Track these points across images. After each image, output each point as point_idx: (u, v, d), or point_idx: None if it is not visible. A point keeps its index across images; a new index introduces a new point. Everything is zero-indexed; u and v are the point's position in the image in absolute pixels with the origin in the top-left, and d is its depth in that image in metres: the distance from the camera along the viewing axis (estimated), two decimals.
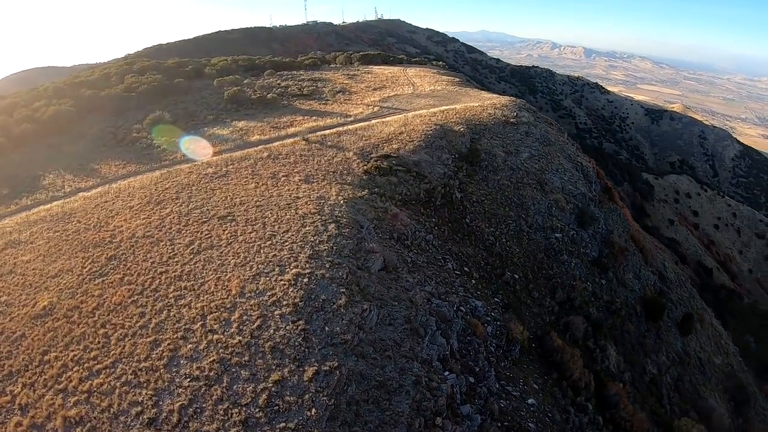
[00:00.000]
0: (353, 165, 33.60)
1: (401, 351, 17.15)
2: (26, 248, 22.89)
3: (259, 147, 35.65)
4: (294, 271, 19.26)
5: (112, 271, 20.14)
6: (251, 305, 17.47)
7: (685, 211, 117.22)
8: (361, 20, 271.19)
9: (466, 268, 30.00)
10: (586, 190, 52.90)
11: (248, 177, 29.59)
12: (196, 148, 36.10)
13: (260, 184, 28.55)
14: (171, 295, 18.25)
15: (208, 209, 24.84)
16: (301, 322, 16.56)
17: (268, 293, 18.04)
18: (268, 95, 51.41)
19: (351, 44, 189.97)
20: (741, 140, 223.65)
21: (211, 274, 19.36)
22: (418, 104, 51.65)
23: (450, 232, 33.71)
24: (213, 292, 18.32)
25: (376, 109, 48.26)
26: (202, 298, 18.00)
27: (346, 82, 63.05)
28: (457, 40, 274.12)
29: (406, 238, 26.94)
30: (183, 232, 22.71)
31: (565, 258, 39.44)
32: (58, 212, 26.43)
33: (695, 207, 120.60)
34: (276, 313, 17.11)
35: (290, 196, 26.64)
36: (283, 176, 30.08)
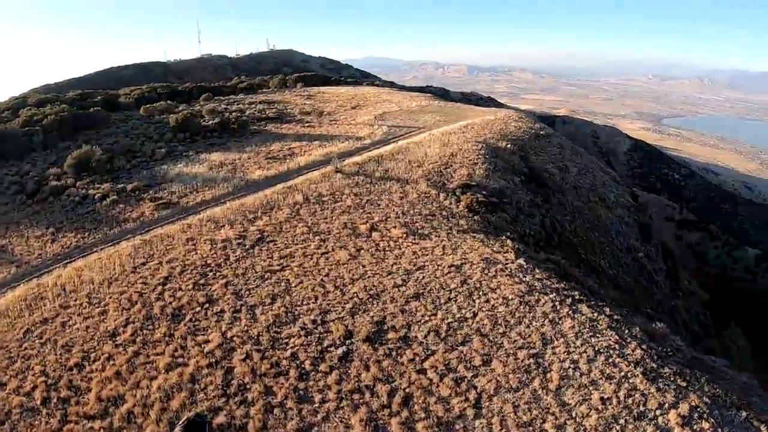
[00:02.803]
0: (442, 201, 22.05)
1: None
2: None
3: (278, 187, 22.37)
4: None
5: None
6: None
7: None
8: (254, 52, 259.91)
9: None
10: (631, 201, 46.20)
11: (311, 239, 16.71)
12: (172, 195, 21.72)
13: (350, 250, 15.70)
14: None
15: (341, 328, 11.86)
16: None
17: None
18: (230, 121, 37.41)
19: (249, 76, 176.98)
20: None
21: None
22: (427, 121, 41.30)
23: (584, 274, 23.58)
24: None
25: (383, 129, 36.80)
26: None
27: (309, 102, 50.91)
28: (351, 66, 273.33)
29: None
30: None
31: (658, 279, 33.72)
32: None
33: None
34: None
35: (436, 267, 14.17)
36: (366, 229, 17.43)
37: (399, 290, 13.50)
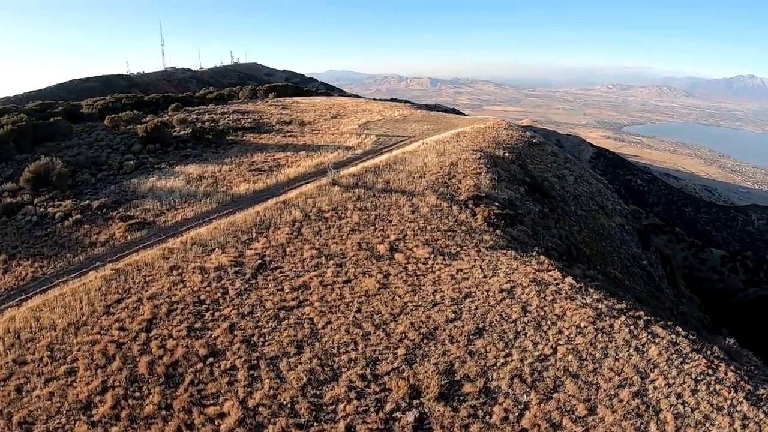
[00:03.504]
0: (457, 214, 20.04)
1: None
2: None
3: (270, 202, 19.68)
4: None
5: None
6: None
7: None
8: (218, 65, 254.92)
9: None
10: (627, 207, 45.21)
11: (324, 264, 14.28)
12: (146, 213, 18.69)
13: (376, 276, 13.21)
14: None
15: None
16: None
17: None
18: (205, 130, 34.40)
19: (215, 88, 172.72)
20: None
21: None
22: (415, 130, 39.42)
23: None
24: None
25: (372, 138, 34.60)
26: None
27: (286, 112, 48.37)
28: (315, 80, 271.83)
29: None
30: None
31: (663, 286, 32.80)
32: None
33: None
34: None
35: (485, 293, 11.92)
36: (385, 250, 15.05)
37: (455, 326, 11.12)
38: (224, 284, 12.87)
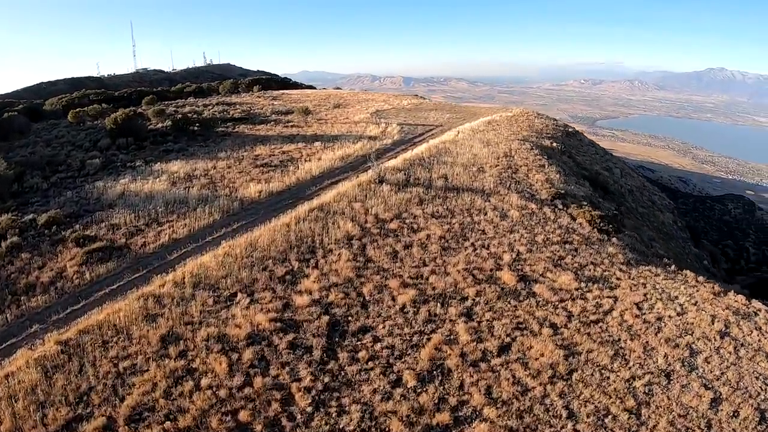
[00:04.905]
0: (553, 218, 14.64)
1: None
2: None
3: (300, 209, 13.65)
4: None
5: None
6: None
7: None
8: (191, 66, 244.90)
9: None
10: (672, 203, 40.58)
11: (438, 316, 8.33)
12: (114, 231, 12.35)
13: (541, 335, 7.53)
14: None
15: None
16: None
17: None
18: (189, 121, 27.93)
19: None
20: None
21: None
22: (438, 118, 33.80)
23: None
24: None
25: (394, 127, 28.64)
26: None
27: (278, 103, 41.97)
28: (290, 80, 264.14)
29: None
30: None
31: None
32: None
33: None
34: None
35: (706, 340, 6.32)
36: (512, 280, 9.28)
37: (726, 413, 6.35)
38: (279, 381, 6.80)
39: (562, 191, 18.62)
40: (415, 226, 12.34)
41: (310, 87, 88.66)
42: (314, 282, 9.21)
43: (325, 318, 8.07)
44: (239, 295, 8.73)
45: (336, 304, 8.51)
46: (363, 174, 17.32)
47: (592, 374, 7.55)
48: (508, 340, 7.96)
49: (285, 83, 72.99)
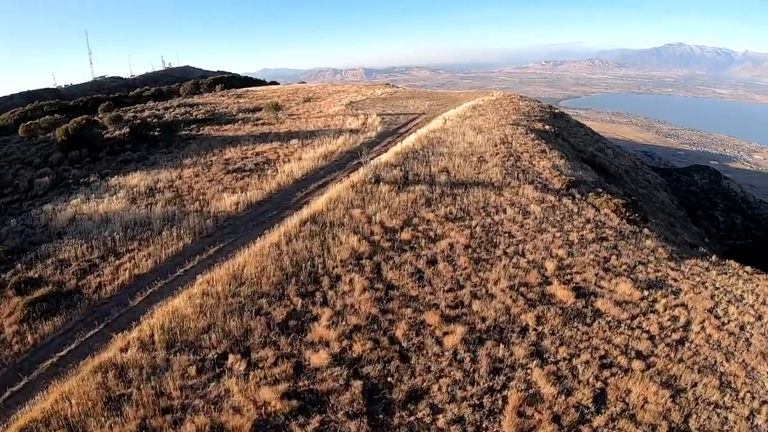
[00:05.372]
0: (576, 210, 12.99)
1: None
2: None
3: (291, 222, 11.38)
4: None
5: None
6: None
7: None
8: (149, 71, 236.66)
9: None
10: (664, 180, 39.73)
11: (505, 369, 6.11)
12: (62, 271, 9.88)
13: (627, 369, 5.39)
14: None
15: None
16: None
17: None
18: (149, 126, 25.21)
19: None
20: None
21: None
22: (418, 106, 31.94)
23: None
24: None
25: (374, 118, 26.52)
26: None
27: (243, 101, 39.36)
28: (252, 78, 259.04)
29: None
30: None
31: None
32: None
33: None
34: None
35: None
36: (567, 296, 7.45)
37: None
38: None
39: (574, 178, 16.93)
40: (432, 234, 10.33)
41: (274, 83, 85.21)
42: (328, 327, 7.07)
43: (357, 384, 5.96)
44: (231, 357, 6.51)
45: (366, 359, 6.41)
46: (353, 173, 15.21)
47: (709, 418, 5.78)
48: (599, 385, 6.11)
49: (248, 81, 69.59)
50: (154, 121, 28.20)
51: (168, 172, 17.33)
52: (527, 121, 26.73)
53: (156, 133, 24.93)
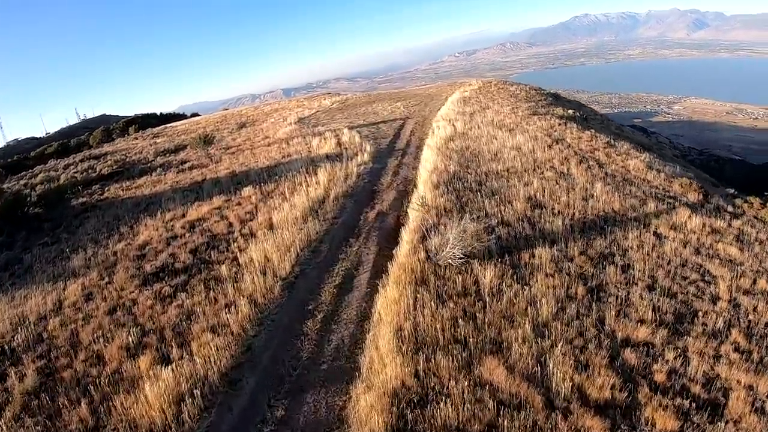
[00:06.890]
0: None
1: None
2: None
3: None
4: None
5: None
6: None
7: None
8: (64, 126, 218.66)
9: None
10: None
11: None
12: None
13: None
14: None
15: None
16: None
17: None
18: (24, 199, 16.72)
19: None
20: None
21: None
22: (393, 111, 26.33)
23: None
24: None
25: (351, 135, 19.52)
26: None
27: (161, 141, 31.38)
28: (171, 114, 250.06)
29: None
30: None
31: None
32: None
33: None
34: None
35: None
36: None
37: None
38: None
39: (698, 183, 10.84)
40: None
41: (195, 115, 75.66)
42: None
43: None
44: None
45: None
46: (385, 246, 8.16)
47: None
48: None
49: (166, 118, 60.48)
50: (40, 189, 19.58)
51: (41, 298, 9.48)
52: (543, 108, 20.76)
53: (37, 209, 16.58)
